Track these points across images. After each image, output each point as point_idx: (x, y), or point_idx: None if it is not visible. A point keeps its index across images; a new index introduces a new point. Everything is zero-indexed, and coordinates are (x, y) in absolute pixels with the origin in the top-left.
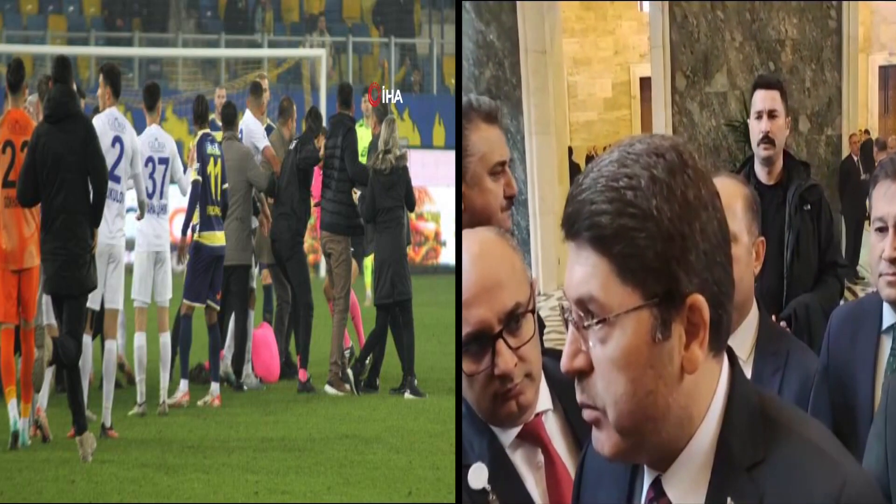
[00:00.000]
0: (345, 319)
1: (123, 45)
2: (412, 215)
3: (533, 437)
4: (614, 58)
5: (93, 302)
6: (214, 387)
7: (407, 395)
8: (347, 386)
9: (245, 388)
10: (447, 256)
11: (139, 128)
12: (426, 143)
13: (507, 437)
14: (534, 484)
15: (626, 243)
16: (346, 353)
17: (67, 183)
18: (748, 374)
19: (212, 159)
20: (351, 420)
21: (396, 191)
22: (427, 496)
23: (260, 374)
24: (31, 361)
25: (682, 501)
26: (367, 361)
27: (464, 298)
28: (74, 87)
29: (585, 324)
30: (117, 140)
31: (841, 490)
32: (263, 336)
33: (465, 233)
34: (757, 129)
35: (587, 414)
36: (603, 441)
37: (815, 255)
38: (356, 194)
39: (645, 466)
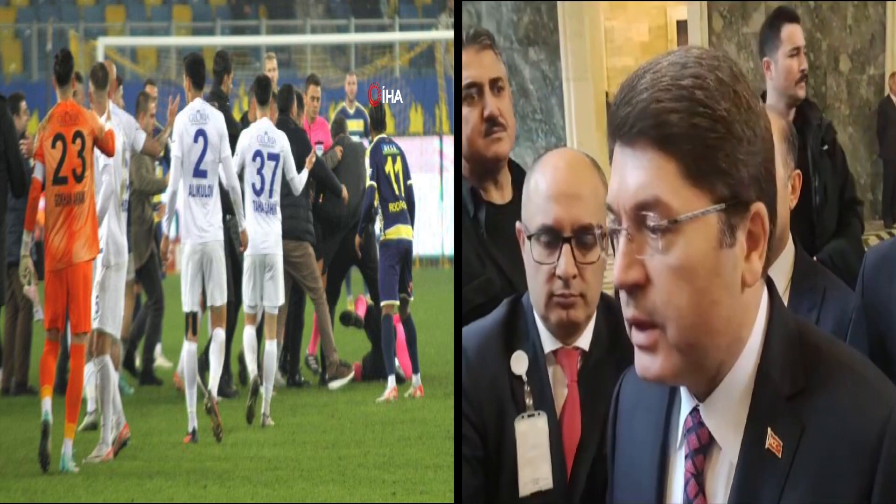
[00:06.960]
0: (327, 310)
1: (250, 34)
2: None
3: (564, 363)
4: (651, 1)
5: (191, 304)
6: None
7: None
8: (346, 370)
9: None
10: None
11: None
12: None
13: (547, 345)
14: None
15: (696, 143)
16: (312, 360)
17: None
18: None
19: (388, 159)
20: (351, 419)
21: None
22: (427, 496)
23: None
24: (79, 380)
25: (721, 432)
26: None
27: (545, 195)
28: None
29: (651, 224)
30: (200, 134)
31: (888, 419)
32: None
33: (555, 150)
34: (795, 67)
35: (641, 337)
36: (655, 363)
37: (837, 196)
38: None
39: (682, 396)
